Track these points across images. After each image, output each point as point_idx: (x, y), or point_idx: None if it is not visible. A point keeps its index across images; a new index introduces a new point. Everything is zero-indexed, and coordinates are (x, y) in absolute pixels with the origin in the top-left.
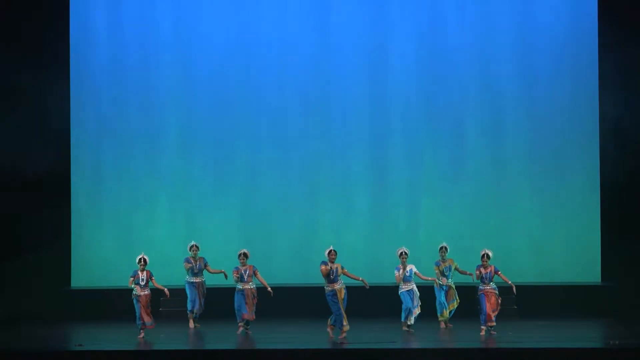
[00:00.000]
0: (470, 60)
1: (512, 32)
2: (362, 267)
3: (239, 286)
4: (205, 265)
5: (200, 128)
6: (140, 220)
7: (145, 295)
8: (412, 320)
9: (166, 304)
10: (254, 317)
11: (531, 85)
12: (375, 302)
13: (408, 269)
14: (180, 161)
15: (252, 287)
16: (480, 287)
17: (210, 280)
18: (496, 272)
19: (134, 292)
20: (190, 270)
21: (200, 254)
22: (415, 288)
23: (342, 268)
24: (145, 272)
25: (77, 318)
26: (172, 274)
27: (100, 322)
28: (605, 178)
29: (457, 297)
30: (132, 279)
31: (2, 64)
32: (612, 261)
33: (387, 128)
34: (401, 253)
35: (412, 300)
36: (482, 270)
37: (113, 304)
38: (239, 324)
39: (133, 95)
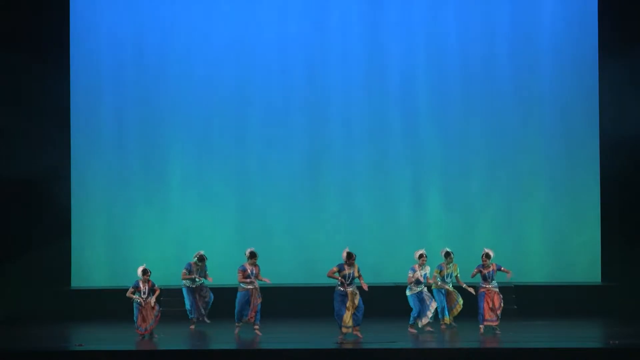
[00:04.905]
0: (472, 59)
1: (513, 32)
2: (362, 267)
3: (243, 285)
4: (206, 275)
5: (200, 128)
6: (140, 220)
7: (147, 302)
8: (421, 324)
9: (166, 305)
10: (254, 318)
11: (532, 86)
12: (376, 302)
13: (424, 272)
14: (180, 161)
15: (257, 286)
16: (482, 284)
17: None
18: (499, 268)
19: (136, 301)
20: (189, 280)
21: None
22: (425, 289)
23: (359, 271)
24: (147, 283)
25: (77, 318)
26: (171, 273)
27: (100, 322)
28: (605, 178)
29: (460, 299)
30: (132, 289)
31: (2, 64)
32: (612, 261)
33: (388, 127)
34: (421, 255)
35: (423, 302)
36: (483, 270)
37: (113, 304)
38: (237, 324)
39: (133, 95)
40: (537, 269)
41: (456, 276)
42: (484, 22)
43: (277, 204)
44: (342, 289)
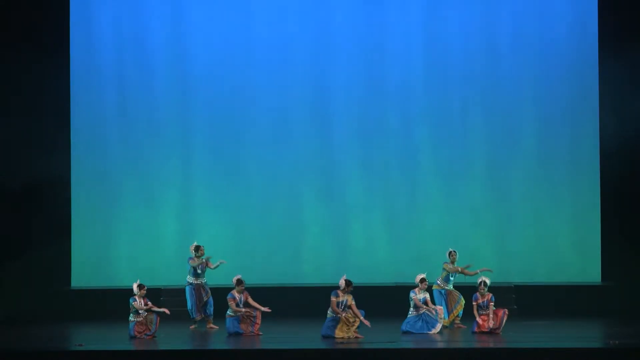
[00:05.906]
0: (472, 59)
1: (513, 32)
2: (360, 267)
3: (231, 312)
4: (207, 263)
5: (199, 127)
6: (140, 220)
7: (143, 317)
8: (434, 331)
9: (166, 305)
10: (258, 332)
11: (532, 86)
12: (376, 302)
13: (423, 296)
14: (180, 161)
15: (248, 310)
16: (478, 312)
17: (211, 280)
18: (490, 302)
19: (130, 318)
20: (193, 270)
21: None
22: (425, 312)
23: (352, 301)
24: (143, 299)
25: (77, 318)
26: (171, 273)
27: (100, 322)
28: (605, 178)
29: (461, 298)
30: (135, 305)
31: (1, 63)
32: (612, 261)
33: (388, 126)
34: (422, 279)
35: (425, 320)
36: (480, 298)
37: (113, 304)
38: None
39: (133, 95)
40: (537, 269)
41: (462, 271)
42: (484, 22)
43: (277, 204)
44: (333, 314)
